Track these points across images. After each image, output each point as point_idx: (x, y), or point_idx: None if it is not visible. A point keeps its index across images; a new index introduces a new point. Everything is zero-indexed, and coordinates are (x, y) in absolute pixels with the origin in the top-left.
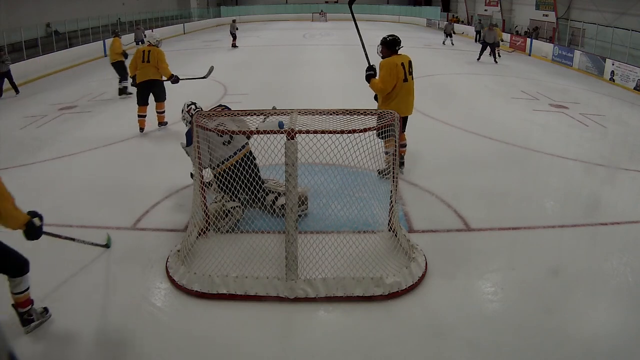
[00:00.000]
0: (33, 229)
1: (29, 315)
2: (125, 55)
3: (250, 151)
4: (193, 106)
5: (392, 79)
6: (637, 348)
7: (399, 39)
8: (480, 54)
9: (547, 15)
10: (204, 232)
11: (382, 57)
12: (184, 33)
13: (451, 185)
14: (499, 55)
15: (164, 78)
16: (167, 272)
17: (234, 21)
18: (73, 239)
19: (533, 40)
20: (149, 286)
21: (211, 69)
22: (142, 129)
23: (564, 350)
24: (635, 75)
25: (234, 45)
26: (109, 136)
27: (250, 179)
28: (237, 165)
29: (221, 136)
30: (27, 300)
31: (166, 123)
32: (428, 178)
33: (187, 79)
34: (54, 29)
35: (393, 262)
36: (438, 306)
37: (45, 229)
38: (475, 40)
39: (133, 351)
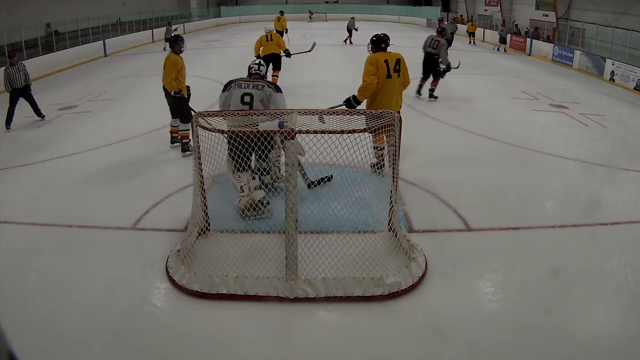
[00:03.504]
0: (178, 96)
1: (187, 145)
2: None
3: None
4: (256, 66)
5: (374, 70)
6: (637, 348)
7: (384, 37)
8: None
9: (547, 15)
10: (204, 232)
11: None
12: (184, 33)
13: (451, 185)
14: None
15: (282, 53)
16: (167, 272)
17: (352, 18)
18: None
19: (533, 40)
20: (149, 286)
21: (314, 45)
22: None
23: (564, 350)
24: (635, 75)
25: (348, 41)
26: (109, 136)
27: (259, 151)
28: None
29: (244, 103)
30: (187, 135)
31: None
32: (428, 178)
33: (296, 53)
34: (54, 29)
35: (393, 262)
36: (438, 306)
37: (45, 228)
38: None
39: (133, 351)
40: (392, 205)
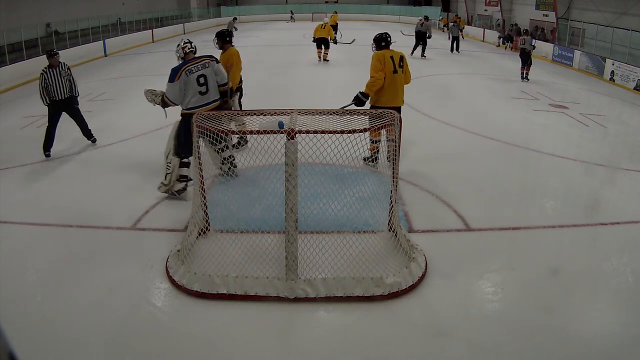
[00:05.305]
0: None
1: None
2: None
3: (221, 106)
4: (189, 44)
5: (380, 66)
6: (637, 348)
7: (385, 35)
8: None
9: (547, 15)
10: (204, 232)
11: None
12: (184, 33)
13: (451, 186)
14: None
15: (330, 39)
16: (167, 272)
17: (421, 20)
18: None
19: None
20: (149, 286)
21: (353, 40)
22: (320, 59)
23: (564, 350)
24: (635, 75)
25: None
26: (109, 136)
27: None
28: None
29: (200, 85)
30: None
31: (327, 60)
32: (428, 178)
33: (341, 43)
34: (54, 29)
35: (393, 262)
36: (438, 306)
37: (45, 228)
38: (452, 51)
39: (133, 351)
40: (392, 205)
